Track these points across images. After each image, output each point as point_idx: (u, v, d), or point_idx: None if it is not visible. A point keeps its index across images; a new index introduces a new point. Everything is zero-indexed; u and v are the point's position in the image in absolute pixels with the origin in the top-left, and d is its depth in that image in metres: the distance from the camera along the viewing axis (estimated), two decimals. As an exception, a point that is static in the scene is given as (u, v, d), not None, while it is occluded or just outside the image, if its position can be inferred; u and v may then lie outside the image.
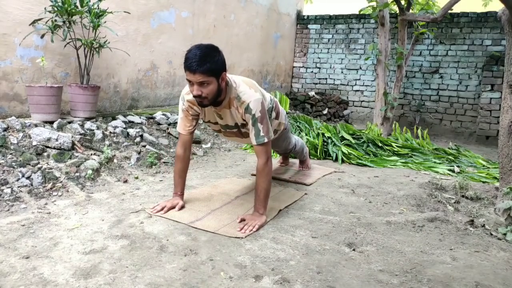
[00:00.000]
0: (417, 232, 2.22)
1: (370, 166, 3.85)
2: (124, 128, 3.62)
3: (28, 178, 2.54)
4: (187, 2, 5.10)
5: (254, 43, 6.75)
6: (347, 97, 7.69)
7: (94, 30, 3.48)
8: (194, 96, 2.05)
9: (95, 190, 2.67)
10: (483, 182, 3.35)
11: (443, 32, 6.82)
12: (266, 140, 2.18)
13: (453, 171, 3.73)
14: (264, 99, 2.29)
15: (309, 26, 7.97)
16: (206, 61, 1.94)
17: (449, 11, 5.28)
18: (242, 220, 2.20)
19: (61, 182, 2.64)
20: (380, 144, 4.36)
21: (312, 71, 8.02)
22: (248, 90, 2.16)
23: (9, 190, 2.38)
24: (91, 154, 3.05)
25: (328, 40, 7.81)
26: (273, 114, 2.52)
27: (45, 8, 3.23)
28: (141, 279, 1.58)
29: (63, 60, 3.66)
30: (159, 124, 4.12)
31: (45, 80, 3.35)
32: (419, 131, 5.10)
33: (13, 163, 2.60)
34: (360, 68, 7.55)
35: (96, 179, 2.82)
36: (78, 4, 3.33)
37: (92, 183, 2.76)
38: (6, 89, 3.28)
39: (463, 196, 2.81)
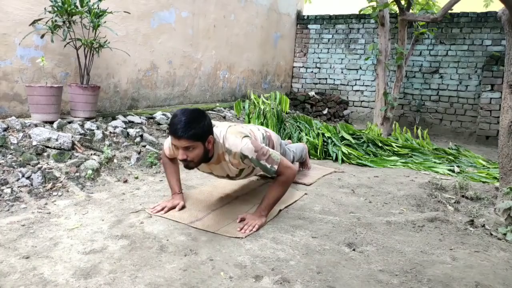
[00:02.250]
0: (417, 232, 2.22)
1: (370, 166, 3.85)
2: (124, 128, 3.62)
3: (28, 178, 2.54)
4: (187, 2, 5.10)
5: (254, 43, 6.75)
6: (347, 97, 7.69)
7: (94, 30, 3.48)
8: (180, 160, 2.02)
9: (95, 190, 2.67)
10: (483, 182, 3.35)
11: (443, 32, 6.82)
12: (276, 167, 2.16)
13: (453, 171, 3.73)
14: (255, 138, 2.30)
15: (309, 26, 7.97)
16: (191, 127, 1.91)
17: (449, 11, 5.28)
18: (242, 220, 2.20)
19: (61, 182, 2.64)
20: (380, 144, 4.36)
21: (312, 71, 8.02)
22: (235, 140, 2.12)
23: (9, 190, 2.38)
24: (91, 154, 3.05)
25: (328, 40, 7.81)
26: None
27: (45, 8, 3.23)
28: (141, 279, 1.58)
29: (63, 60, 3.66)
30: (159, 124, 4.12)
31: (45, 80, 3.34)
32: (419, 131, 5.10)
33: (13, 163, 2.60)
34: (360, 68, 7.55)
35: (96, 179, 2.82)
36: (78, 4, 3.33)
37: (92, 183, 2.76)
38: (6, 89, 3.28)
39: (463, 196, 2.81)
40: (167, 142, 2.36)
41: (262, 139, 2.45)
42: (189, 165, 2.04)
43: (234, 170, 2.27)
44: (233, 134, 2.15)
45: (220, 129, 2.18)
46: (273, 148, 2.60)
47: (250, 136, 2.21)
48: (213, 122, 2.24)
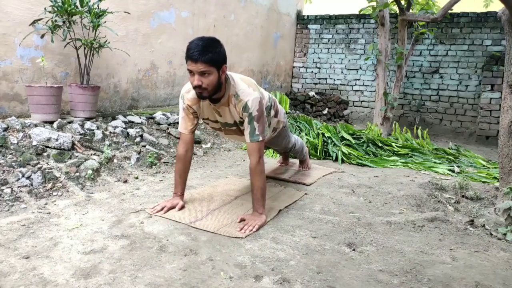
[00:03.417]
0: (417, 232, 2.22)
1: (370, 166, 3.85)
2: (124, 128, 3.62)
3: (28, 178, 2.54)
4: (187, 2, 5.10)
5: (254, 43, 6.75)
6: (347, 97, 7.69)
7: (94, 30, 3.48)
8: (194, 87, 2.05)
9: (95, 190, 2.67)
10: (483, 182, 3.35)
11: (443, 32, 6.82)
12: (260, 139, 2.19)
13: (453, 171, 3.73)
14: (263, 98, 2.30)
15: (309, 26, 7.97)
16: (208, 51, 1.96)
17: (449, 11, 5.28)
18: (242, 220, 2.20)
19: (61, 182, 2.64)
20: (380, 144, 4.36)
21: (312, 71, 8.02)
22: (246, 89, 2.17)
23: (9, 190, 2.38)
24: (91, 154, 3.05)
25: (328, 40, 7.81)
26: (272, 112, 2.53)
27: (45, 8, 3.23)
28: (141, 279, 1.58)
29: (63, 60, 3.66)
30: (159, 124, 4.12)
31: (45, 80, 3.34)
32: (419, 131, 5.10)
33: (13, 163, 2.60)
34: (360, 68, 7.55)
35: (96, 179, 2.82)
36: (78, 4, 3.33)
37: (92, 183, 2.76)
38: (6, 89, 3.28)
39: (463, 196, 2.81)
40: (180, 117, 2.35)
41: (268, 99, 2.46)
42: (203, 93, 2.06)
43: (238, 117, 2.26)
44: (246, 83, 2.20)
45: (231, 73, 2.23)
46: (276, 112, 2.62)
47: (262, 96, 2.25)
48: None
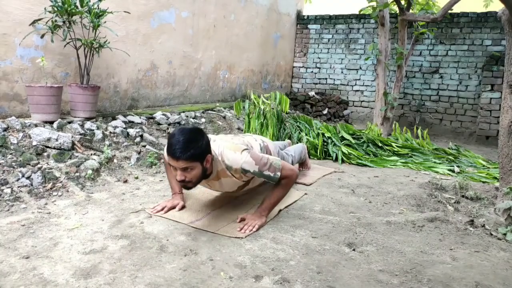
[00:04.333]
0: (417, 232, 2.22)
1: (370, 166, 3.85)
2: (124, 128, 3.62)
3: (28, 178, 2.54)
4: (187, 2, 5.10)
5: (254, 43, 6.75)
6: (347, 97, 7.69)
7: (94, 30, 3.48)
8: (178, 181, 2.00)
9: (95, 190, 2.67)
10: (483, 182, 3.35)
11: (443, 32, 6.81)
12: (279, 174, 2.16)
13: (453, 171, 3.73)
14: (251, 147, 2.31)
15: (309, 26, 7.97)
16: (189, 148, 1.90)
17: (449, 11, 5.28)
18: (242, 220, 2.21)
19: (61, 182, 2.64)
20: (380, 144, 4.36)
21: (312, 71, 8.02)
22: (233, 156, 2.10)
23: (9, 190, 2.38)
24: (91, 154, 3.05)
25: (328, 40, 7.81)
26: None
27: (45, 8, 3.23)
28: (141, 279, 1.58)
29: (63, 60, 3.66)
30: (159, 124, 4.12)
31: (45, 80, 3.34)
32: (419, 131, 5.10)
33: (13, 163, 2.60)
34: (360, 68, 7.55)
35: (96, 179, 2.82)
36: (78, 4, 3.33)
37: (92, 183, 2.76)
38: (6, 89, 3.28)
39: (463, 196, 2.81)
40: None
41: (259, 150, 2.44)
42: (187, 185, 2.03)
43: (237, 182, 2.25)
44: (231, 150, 2.12)
45: (218, 143, 2.15)
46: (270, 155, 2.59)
47: (249, 148, 2.19)
48: (210, 136, 2.19)
